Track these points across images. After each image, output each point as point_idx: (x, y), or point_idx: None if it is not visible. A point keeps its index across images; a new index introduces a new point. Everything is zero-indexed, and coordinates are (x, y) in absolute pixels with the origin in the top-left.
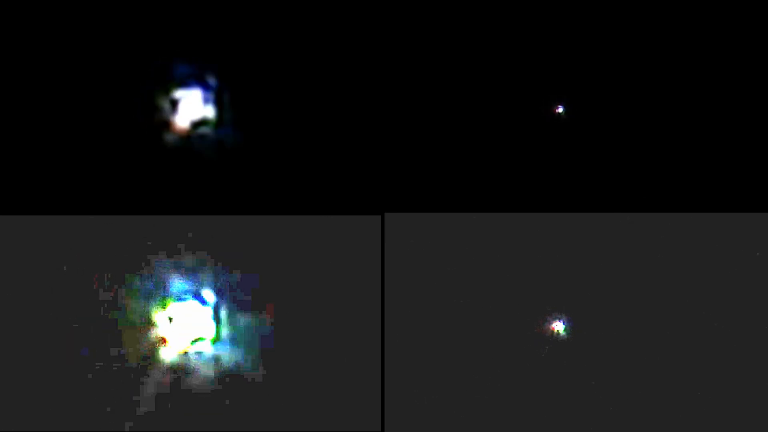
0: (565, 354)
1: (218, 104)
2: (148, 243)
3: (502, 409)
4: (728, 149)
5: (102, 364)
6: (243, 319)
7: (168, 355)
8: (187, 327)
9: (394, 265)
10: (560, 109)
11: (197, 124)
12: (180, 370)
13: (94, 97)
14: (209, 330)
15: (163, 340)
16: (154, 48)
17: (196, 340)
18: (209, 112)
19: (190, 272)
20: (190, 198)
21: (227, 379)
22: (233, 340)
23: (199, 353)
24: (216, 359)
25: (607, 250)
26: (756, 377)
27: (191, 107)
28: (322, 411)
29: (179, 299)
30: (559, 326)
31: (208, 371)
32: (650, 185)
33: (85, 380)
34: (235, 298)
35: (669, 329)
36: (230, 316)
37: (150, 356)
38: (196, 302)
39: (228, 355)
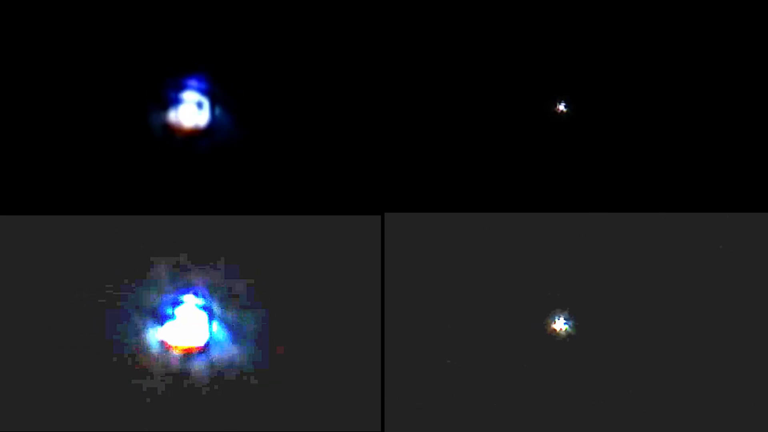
0: (565, 354)
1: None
2: (148, 243)
3: (502, 409)
4: (728, 149)
5: (101, 364)
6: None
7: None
8: (184, 328)
9: (394, 265)
10: (561, 107)
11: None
12: (178, 371)
13: (93, 98)
14: (205, 331)
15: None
16: (153, 48)
17: (192, 342)
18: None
19: (188, 273)
20: (189, 198)
21: (225, 378)
22: (228, 338)
23: (195, 353)
24: (213, 359)
25: (607, 250)
26: (756, 377)
27: (189, 110)
28: (322, 411)
29: (176, 301)
30: (559, 326)
31: (206, 371)
32: (650, 185)
33: (84, 380)
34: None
35: (669, 329)
36: (224, 316)
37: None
38: (191, 304)
39: (224, 353)
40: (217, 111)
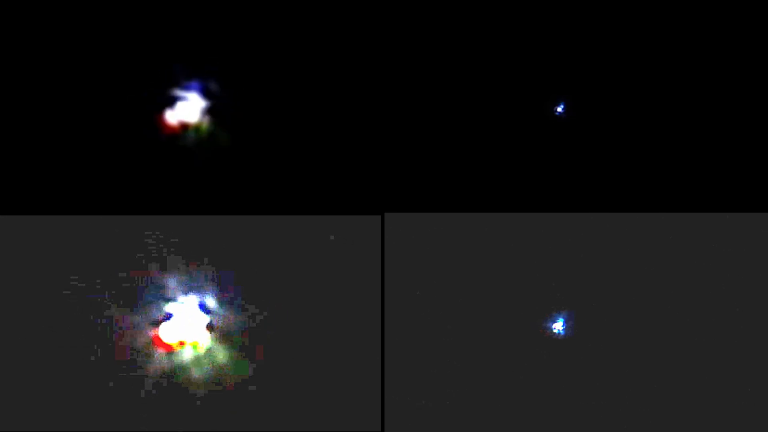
0: (564, 354)
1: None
2: (147, 243)
3: (502, 409)
4: (728, 149)
5: (102, 363)
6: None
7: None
8: (183, 326)
9: (394, 265)
10: (560, 108)
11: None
12: (177, 369)
13: (93, 98)
14: (203, 330)
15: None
16: (153, 48)
17: (192, 340)
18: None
19: (187, 273)
20: (189, 198)
21: (224, 376)
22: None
23: (195, 352)
24: (211, 356)
25: (607, 250)
26: (756, 377)
27: (188, 109)
28: (323, 411)
29: (176, 300)
30: (559, 326)
31: (204, 368)
32: (650, 185)
33: (84, 379)
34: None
35: (669, 329)
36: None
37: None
38: (191, 303)
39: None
40: (218, 111)
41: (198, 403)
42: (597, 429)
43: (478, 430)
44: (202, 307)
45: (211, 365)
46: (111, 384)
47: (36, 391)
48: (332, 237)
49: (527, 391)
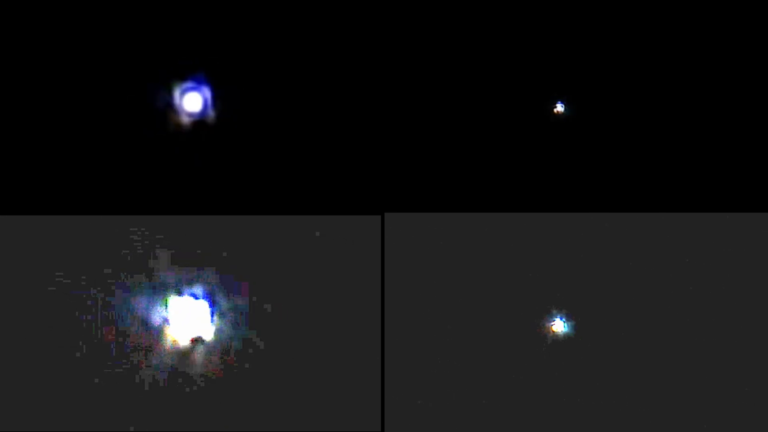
0: (564, 354)
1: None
2: (148, 242)
3: (502, 409)
4: (728, 149)
5: (101, 362)
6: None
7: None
8: (186, 323)
9: (394, 265)
10: (560, 108)
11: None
12: (181, 364)
13: (92, 97)
14: (207, 326)
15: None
16: (152, 48)
17: (196, 338)
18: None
19: (187, 272)
20: (189, 198)
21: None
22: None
23: (196, 347)
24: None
25: (607, 250)
26: (756, 377)
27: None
28: (323, 411)
29: (177, 299)
30: (558, 326)
31: (206, 363)
32: (650, 185)
33: (84, 379)
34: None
35: (669, 329)
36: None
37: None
38: (192, 302)
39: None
40: (218, 111)
41: (197, 401)
42: (597, 429)
43: (478, 430)
44: (202, 304)
45: (205, 360)
46: (96, 380)
47: (23, 389)
48: (318, 233)
49: (527, 391)
